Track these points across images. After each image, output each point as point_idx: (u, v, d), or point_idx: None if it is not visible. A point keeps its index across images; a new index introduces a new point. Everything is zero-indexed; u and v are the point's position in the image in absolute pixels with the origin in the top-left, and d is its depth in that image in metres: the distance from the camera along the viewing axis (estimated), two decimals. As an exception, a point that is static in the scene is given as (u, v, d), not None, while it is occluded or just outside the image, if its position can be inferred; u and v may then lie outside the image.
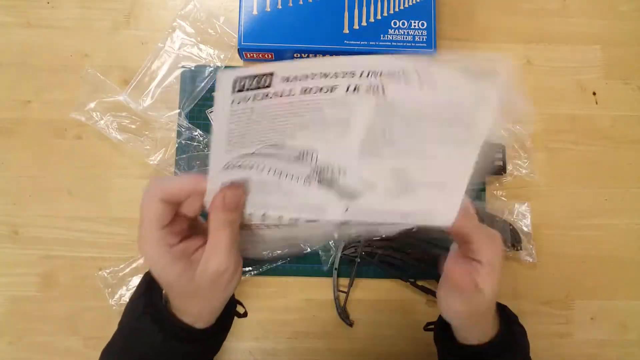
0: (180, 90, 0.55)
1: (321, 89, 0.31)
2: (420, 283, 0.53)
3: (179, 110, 0.54)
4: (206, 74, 0.55)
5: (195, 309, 0.36)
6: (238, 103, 0.30)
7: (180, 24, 0.56)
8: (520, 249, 0.53)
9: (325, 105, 0.31)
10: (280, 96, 0.30)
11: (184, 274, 0.33)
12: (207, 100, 0.55)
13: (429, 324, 0.47)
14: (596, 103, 0.58)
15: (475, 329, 0.40)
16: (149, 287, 0.38)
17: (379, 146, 0.34)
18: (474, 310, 0.38)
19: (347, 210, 0.36)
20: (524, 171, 0.55)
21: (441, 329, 0.43)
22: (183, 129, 0.53)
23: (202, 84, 0.55)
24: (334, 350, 0.53)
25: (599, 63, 0.59)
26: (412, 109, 0.33)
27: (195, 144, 0.53)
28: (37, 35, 0.56)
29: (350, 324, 0.53)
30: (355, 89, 0.31)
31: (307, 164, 0.34)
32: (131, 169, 0.54)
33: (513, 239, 0.53)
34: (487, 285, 0.37)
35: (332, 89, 0.31)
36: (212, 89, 0.55)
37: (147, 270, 0.39)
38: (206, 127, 0.54)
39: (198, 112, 0.54)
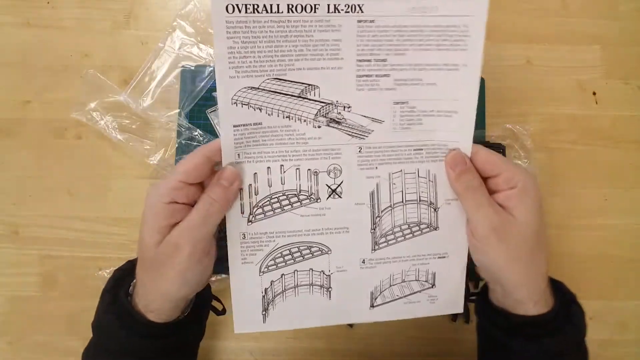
0: (180, 90, 0.55)
1: (304, 7, 0.33)
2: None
3: (179, 110, 0.54)
4: (206, 74, 0.55)
5: (155, 290, 0.35)
6: (232, 11, 0.32)
7: (180, 24, 0.56)
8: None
9: (313, 28, 0.34)
10: (269, 12, 0.32)
11: (158, 232, 0.34)
12: (207, 100, 0.55)
13: (471, 294, 0.44)
14: (596, 103, 0.58)
15: (523, 285, 0.36)
16: (116, 284, 0.38)
17: (374, 71, 0.35)
18: (513, 251, 0.35)
19: (360, 150, 0.37)
20: (524, 171, 0.55)
21: (485, 297, 0.40)
22: (183, 129, 0.53)
23: (202, 83, 0.55)
24: (334, 350, 0.53)
25: (599, 63, 0.59)
26: (395, 27, 0.34)
27: (195, 144, 0.53)
28: (37, 35, 0.56)
29: (351, 325, 0.53)
30: (335, 9, 0.33)
31: (312, 102, 0.35)
32: (131, 169, 0.54)
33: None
34: (520, 209, 0.34)
35: (314, 8, 0.33)
36: (212, 89, 0.55)
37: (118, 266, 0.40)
38: (206, 127, 0.54)
39: (198, 112, 0.54)
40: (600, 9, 0.60)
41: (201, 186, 0.36)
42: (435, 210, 0.39)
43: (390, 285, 0.40)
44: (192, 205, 0.35)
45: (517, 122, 0.56)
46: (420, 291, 0.40)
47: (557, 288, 0.38)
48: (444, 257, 0.40)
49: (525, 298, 0.36)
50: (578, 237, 0.56)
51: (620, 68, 0.58)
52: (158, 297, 0.35)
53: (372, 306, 0.40)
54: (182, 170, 0.34)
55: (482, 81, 0.56)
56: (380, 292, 0.40)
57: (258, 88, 0.34)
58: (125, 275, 0.38)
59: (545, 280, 0.37)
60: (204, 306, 0.41)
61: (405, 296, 0.40)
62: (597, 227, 0.56)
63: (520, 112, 0.57)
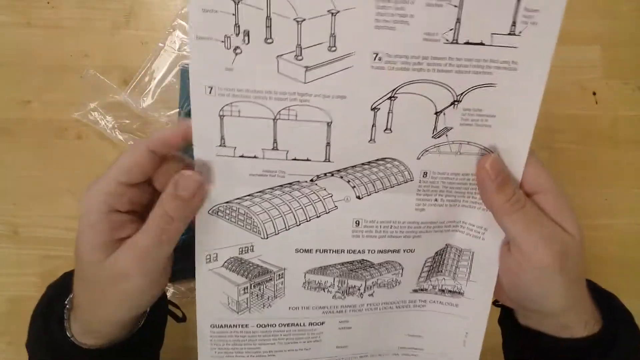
0: (180, 90, 0.55)
1: None
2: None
3: (179, 110, 0.54)
4: (206, 74, 0.55)
5: (95, 314, 0.29)
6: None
7: (180, 24, 0.56)
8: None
9: None
10: None
11: (99, 249, 0.27)
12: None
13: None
14: (596, 103, 0.58)
15: (571, 308, 0.30)
16: (49, 306, 0.32)
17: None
18: (572, 274, 0.29)
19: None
20: (524, 171, 0.55)
21: (509, 315, 0.34)
22: (183, 129, 0.53)
23: (202, 84, 0.55)
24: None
25: (599, 63, 0.59)
26: None
27: (195, 144, 0.53)
28: (37, 35, 0.56)
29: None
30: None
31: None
32: (131, 169, 0.54)
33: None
34: (569, 222, 0.29)
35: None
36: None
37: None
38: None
39: (198, 112, 0.54)
40: (600, 9, 0.60)
41: (149, 185, 0.29)
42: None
43: None
44: (138, 211, 0.29)
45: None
46: None
47: (603, 301, 0.33)
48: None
49: (574, 321, 0.30)
50: (578, 237, 0.56)
51: (620, 68, 0.58)
52: (98, 320, 0.30)
53: None
54: (120, 169, 0.27)
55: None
56: None
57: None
58: (60, 292, 0.32)
59: (586, 290, 0.32)
60: (159, 319, 0.34)
61: None
62: (597, 227, 0.56)
63: (521, 112, 0.57)
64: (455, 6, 0.27)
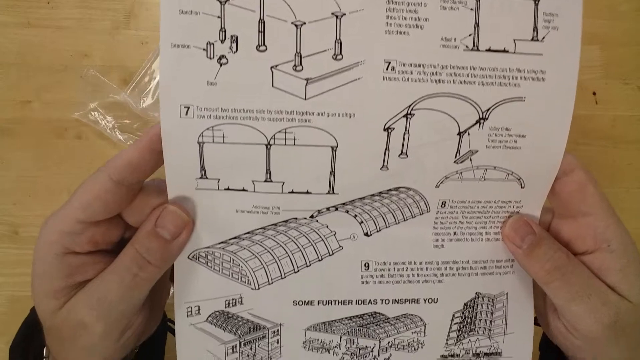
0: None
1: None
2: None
3: (179, 110, 0.54)
4: (206, 74, 0.55)
5: None
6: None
7: (180, 24, 0.56)
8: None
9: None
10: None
11: (53, 296, 0.23)
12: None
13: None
14: (596, 103, 0.58)
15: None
16: (28, 335, 0.29)
17: None
18: (635, 343, 0.25)
19: None
20: (524, 171, 0.55)
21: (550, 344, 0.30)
22: (183, 129, 0.53)
23: (202, 84, 0.55)
24: None
25: (599, 63, 0.59)
26: None
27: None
28: (37, 35, 0.56)
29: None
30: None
31: None
32: (131, 169, 0.54)
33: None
34: (632, 287, 0.25)
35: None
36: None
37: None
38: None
39: (198, 112, 0.54)
40: (600, 9, 0.60)
41: (118, 219, 0.25)
42: None
43: None
44: (104, 251, 0.24)
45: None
46: None
47: None
48: None
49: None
50: (578, 237, 0.56)
51: (620, 68, 0.58)
52: None
53: None
54: (78, 204, 0.23)
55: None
56: None
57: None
58: (32, 332, 0.28)
59: None
60: (158, 337, 0.30)
61: None
62: (597, 227, 0.56)
63: (520, 112, 0.57)
64: (472, 9, 0.24)
